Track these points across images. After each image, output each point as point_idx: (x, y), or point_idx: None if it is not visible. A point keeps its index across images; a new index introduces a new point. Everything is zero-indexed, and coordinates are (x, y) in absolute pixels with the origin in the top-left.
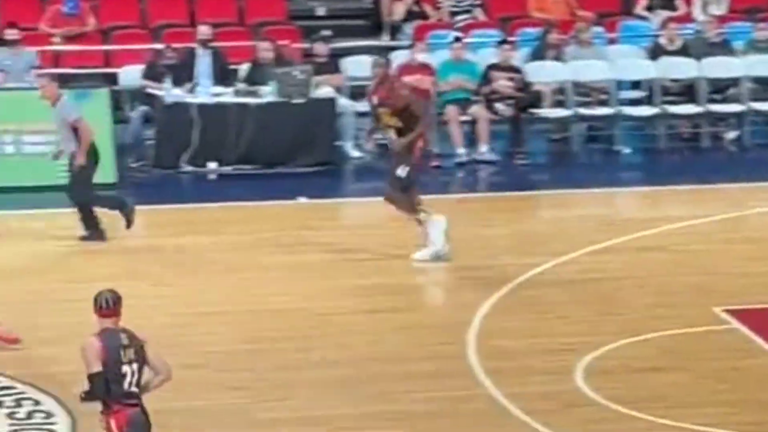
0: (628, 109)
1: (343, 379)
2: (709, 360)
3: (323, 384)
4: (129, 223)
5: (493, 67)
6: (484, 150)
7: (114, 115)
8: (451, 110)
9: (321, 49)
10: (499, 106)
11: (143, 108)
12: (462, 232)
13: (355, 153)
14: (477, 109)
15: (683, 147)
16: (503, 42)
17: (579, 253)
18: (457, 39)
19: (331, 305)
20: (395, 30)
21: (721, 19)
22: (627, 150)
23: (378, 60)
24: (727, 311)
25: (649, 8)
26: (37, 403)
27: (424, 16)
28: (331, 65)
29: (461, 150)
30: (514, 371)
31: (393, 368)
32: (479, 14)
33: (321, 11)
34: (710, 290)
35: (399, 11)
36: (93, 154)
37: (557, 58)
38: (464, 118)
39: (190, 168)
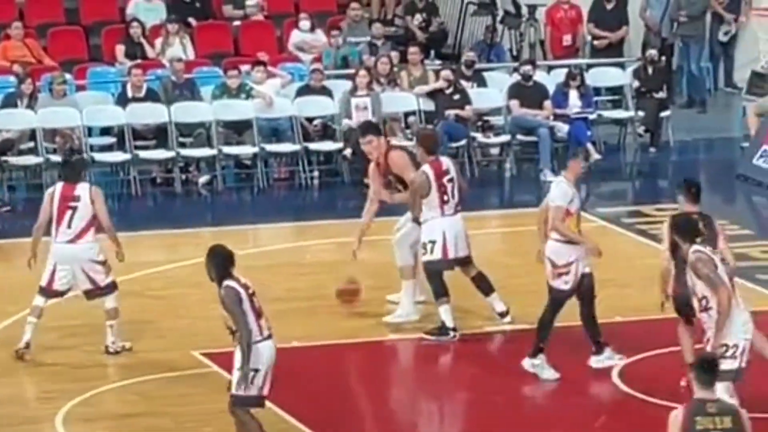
0: (100, 155)
1: None
2: (191, 404)
3: None
4: None
5: None
6: None
7: None
8: None
9: None
10: None
11: None
12: None
13: None
14: None
15: (156, 192)
16: None
17: (55, 300)
18: None
19: None
20: None
21: (190, 64)
22: None
23: None
24: (206, 354)
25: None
26: None
27: None
28: None
29: None
30: None
31: None
32: None
33: None
34: (189, 334)
35: None
36: None
37: (29, 106)
38: None
39: None
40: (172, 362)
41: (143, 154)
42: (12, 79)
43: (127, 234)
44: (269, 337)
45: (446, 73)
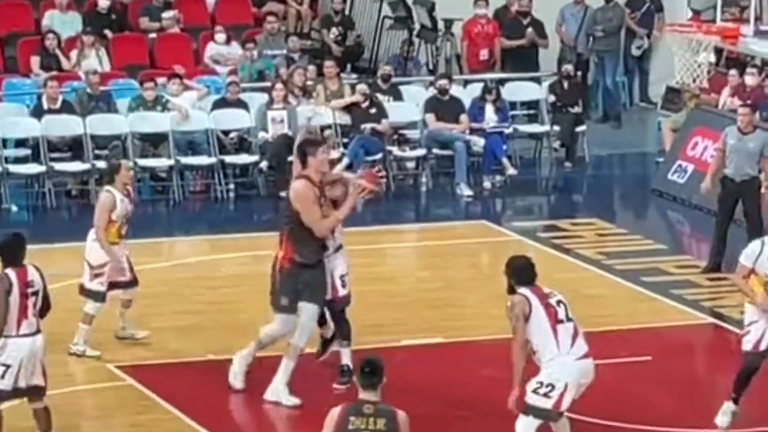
0: (14, 167)
1: None
2: (108, 416)
3: None
4: None
5: None
6: None
7: None
8: None
9: None
10: None
11: None
12: None
13: None
14: None
15: (72, 204)
16: None
17: None
18: None
19: None
20: None
21: (105, 76)
22: (15, 208)
23: None
24: (120, 367)
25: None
26: None
27: None
28: None
29: None
30: None
31: None
32: None
33: None
34: (107, 347)
35: None
36: None
37: None
38: None
39: None
40: (88, 375)
41: (58, 166)
42: None
43: (43, 246)
44: (30, 335)
45: (362, 87)
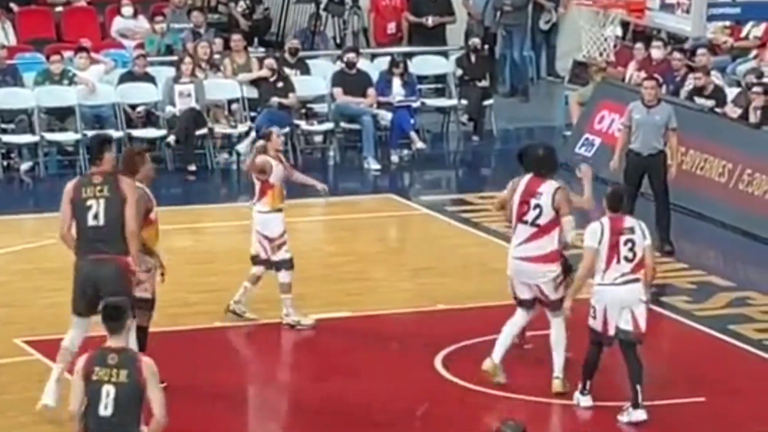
0: None
1: None
2: (15, 392)
3: None
4: None
5: None
6: None
7: None
8: None
9: None
10: None
11: None
12: None
13: None
14: None
15: None
16: None
17: None
18: None
19: None
20: None
21: (12, 50)
22: None
23: None
24: (28, 342)
25: None
26: None
27: None
28: None
29: None
30: None
31: None
32: None
33: None
34: (11, 322)
35: None
36: None
37: None
38: None
39: None
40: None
41: None
42: None
43: None
44: None
45: (270, 61)
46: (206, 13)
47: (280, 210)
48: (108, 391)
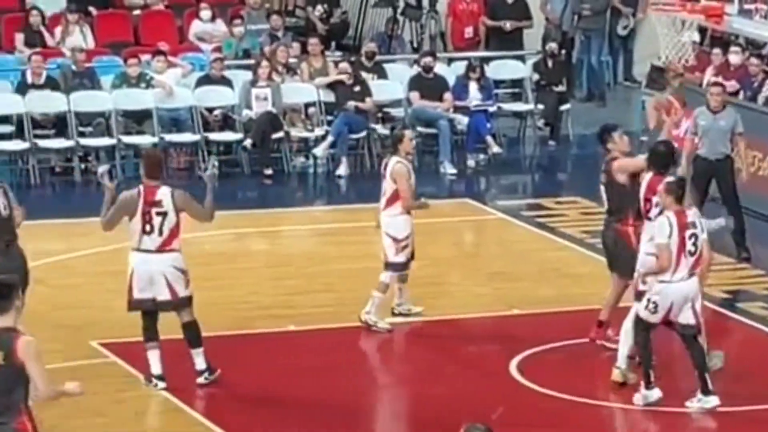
0: None
1: None
2: (87, 394)
3: None
4: None
5: None
6: None
7: None
8: None
9: None
10: None
11: None
12: None
13: None
14: None
15: (55, 181)
16: None
17: None
18: None
19: None
20: None
21: (90, 53)
22: None
23: None
24: (104, 344)
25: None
26: None
27: None
28: None
29: None
30: None
31: None
32: None
33: None
34: (87, 324)
35: None
36: None
37: None
38: None
39: None
40: (71, 352)
41: (42, 143)
42: None
43: (26, 223)
44: None
45: (345, 65)
46: (284, 17)
47: (409, 212)
48: None
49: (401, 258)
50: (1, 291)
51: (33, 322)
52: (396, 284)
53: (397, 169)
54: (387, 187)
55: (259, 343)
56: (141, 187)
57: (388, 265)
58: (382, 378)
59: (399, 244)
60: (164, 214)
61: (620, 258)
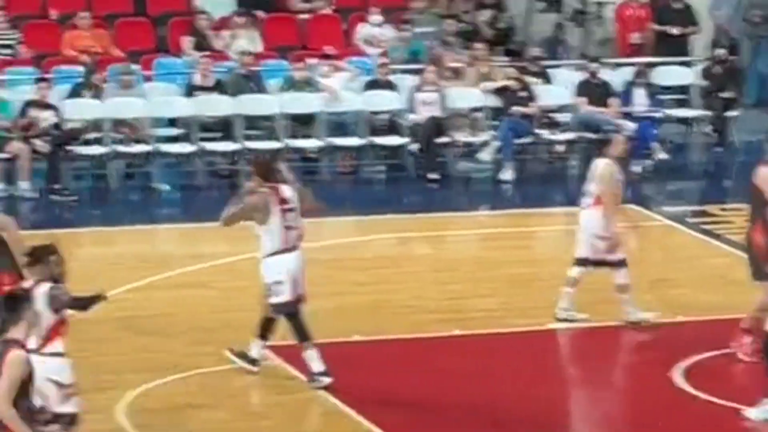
0: (166, 146)
1: None
2: (248, 395)
3: None
4: None
5: (30, 103)
6: (25, 187)
7: None
8: None
9: None
10: (36, 142)
11: None
12: None
13: None
14: (17, 146)
15: (222, 184)
16: (40, 79)
17: (118, 290)
18: None
19: None
20: None
21: (257, 57)
22: (165, 187)
23: None
24: (269, 347)
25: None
26: None
27: None
28: None
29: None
30: None
31: None
32: (21, 51)
33: None
34: (250, 327)
35: None
36: None
37: (96, 96)
38: (3, 155)
39: None
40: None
41: (209, 146)
42: (79, 69)
43: (192, 225)
44: None
45: (512, 71)
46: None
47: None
48: None
49: (621, 255)
50: (8, 303)
51: (195, 323)
52: (565, 288)
53: (601, 171)
54: (592, 188)
55: (424, 347)
56: (269, 188)
57: (614, 264)
58: (543, 383)
59: (609, 241)
60: (294, 210)
61: (753, 264)
